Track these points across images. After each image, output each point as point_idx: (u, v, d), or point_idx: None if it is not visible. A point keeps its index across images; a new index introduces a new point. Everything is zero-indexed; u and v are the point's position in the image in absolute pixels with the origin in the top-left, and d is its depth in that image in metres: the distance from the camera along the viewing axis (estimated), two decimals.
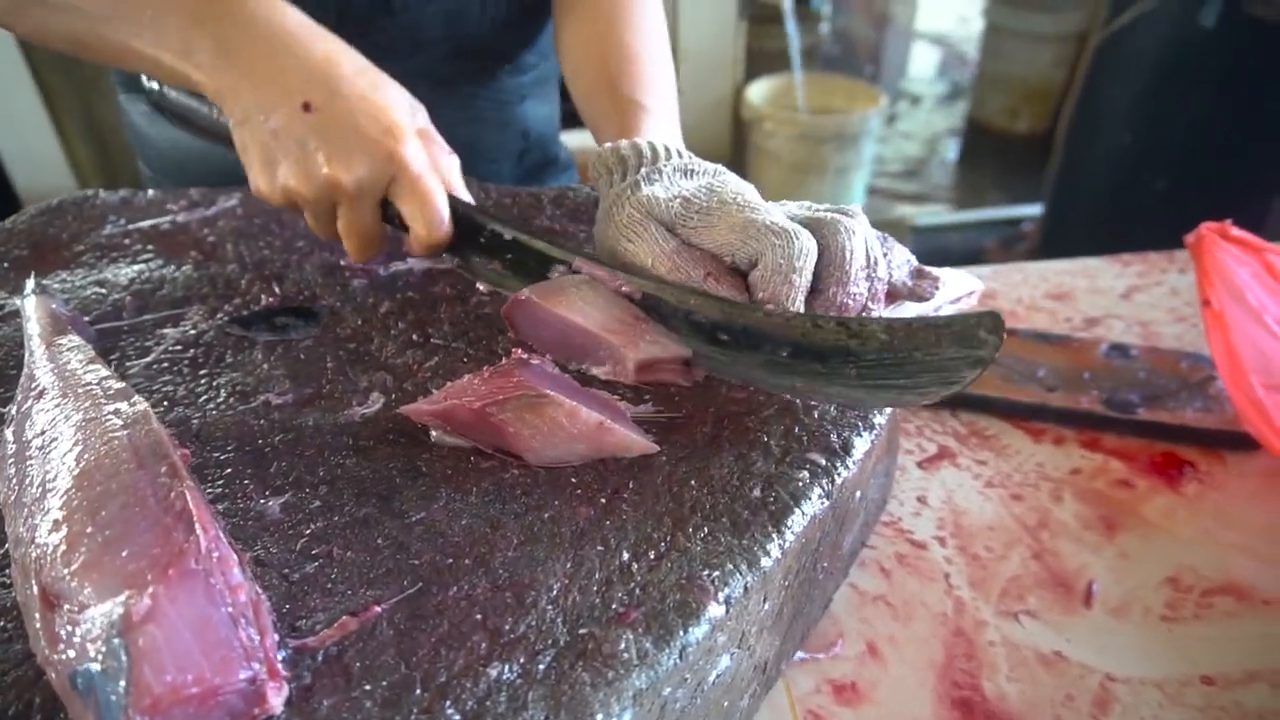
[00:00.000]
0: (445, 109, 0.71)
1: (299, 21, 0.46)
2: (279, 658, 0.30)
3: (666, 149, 0.50)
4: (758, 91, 2.33)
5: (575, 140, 0.92)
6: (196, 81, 0.46)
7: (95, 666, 0.26)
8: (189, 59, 0.45)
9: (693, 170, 0.49)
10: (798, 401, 0.42)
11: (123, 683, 0.26)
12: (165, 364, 0.47)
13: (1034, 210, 2.57)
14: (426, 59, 0.67)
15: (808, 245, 0.43)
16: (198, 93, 0.47)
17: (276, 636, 0.30)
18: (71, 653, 0.27)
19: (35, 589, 0.30)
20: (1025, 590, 0.47)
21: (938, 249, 2.45)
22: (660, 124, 0.57)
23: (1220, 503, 0.53)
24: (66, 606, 0.29)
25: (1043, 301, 0.70)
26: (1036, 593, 0.47)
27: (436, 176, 0.47)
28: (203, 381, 0.46)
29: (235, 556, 0.30)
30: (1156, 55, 1.37)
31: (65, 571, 0.29)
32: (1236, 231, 0.56)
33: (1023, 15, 2.89)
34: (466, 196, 0.50)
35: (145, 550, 0.29)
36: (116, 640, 0.26)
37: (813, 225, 0.44)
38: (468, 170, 0.73)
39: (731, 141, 2.43)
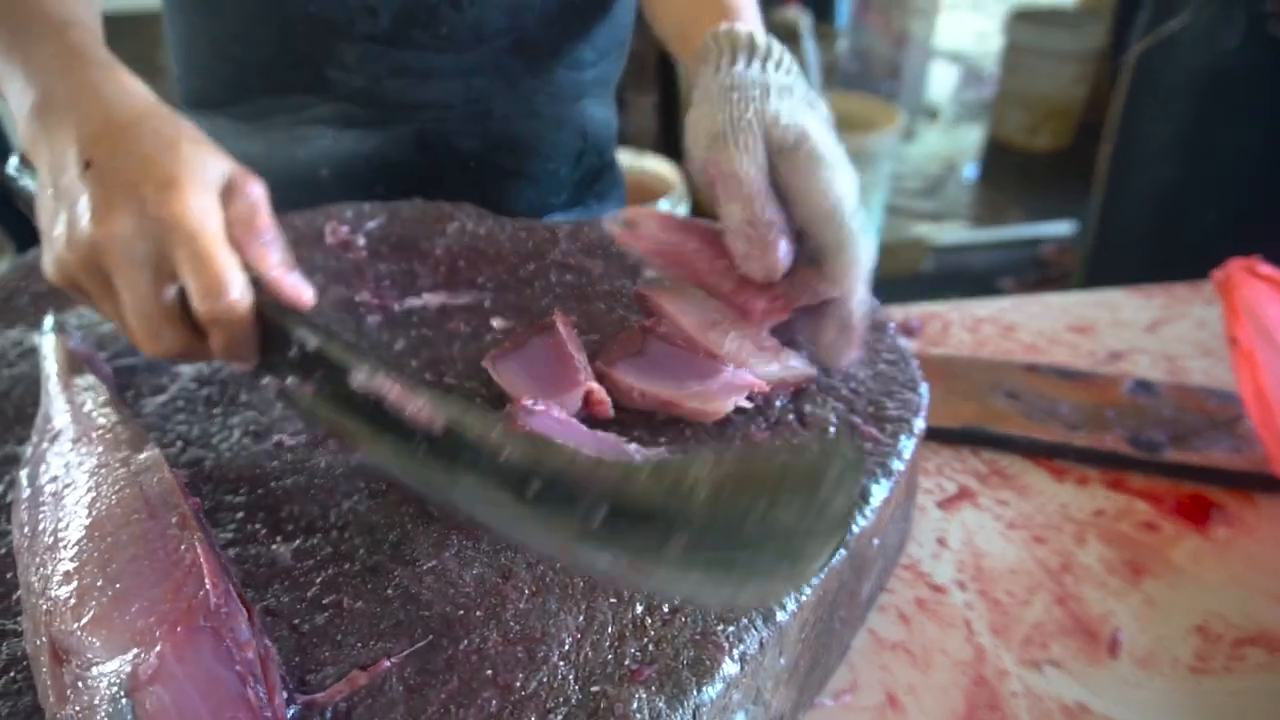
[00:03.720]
0: (503, 102, 0.72)
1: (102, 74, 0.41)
2: (288, 716, 0.29)
3: (780, 51, 0.49)
4: None
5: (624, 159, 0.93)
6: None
7: None
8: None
9: (792, 90, 0.47)
10: (813, 443, 0.41)
11: None
12: (180, 403, 0.47)
13: (1055, 229, 2.55)
14: (488, 51, 0.68)
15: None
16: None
17: (285, 694, 0.30)
18: (79, 710, 0.27)
19: (44, 641, 0.30)
20: (1048, 638, 0.46)
21: (957, 268, 2.44)
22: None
23: (1250, 548, 0.51)
24: (75, 662, 0.28)
25: (1064, 335, 0.69)
26: (1060, 641, 0.46)
27: (228, 242, 0.38)
28: (217, 420, 0.46)
29: (245, 611, 0.30)
30: (1190, 83, 1.36)
31: (75, 626, 0.29)
32: (1265, 268, 0.55)
33: (1042, 32, 2.88)
34: (298, 290, 0.41)
35: (154, 605, 0.29)
36: (124, 701, 0.26)
37: None
38: (527, 173, 0.73)
39: None
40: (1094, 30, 2.81)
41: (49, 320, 0.49)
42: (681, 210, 1.88)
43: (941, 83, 3.69)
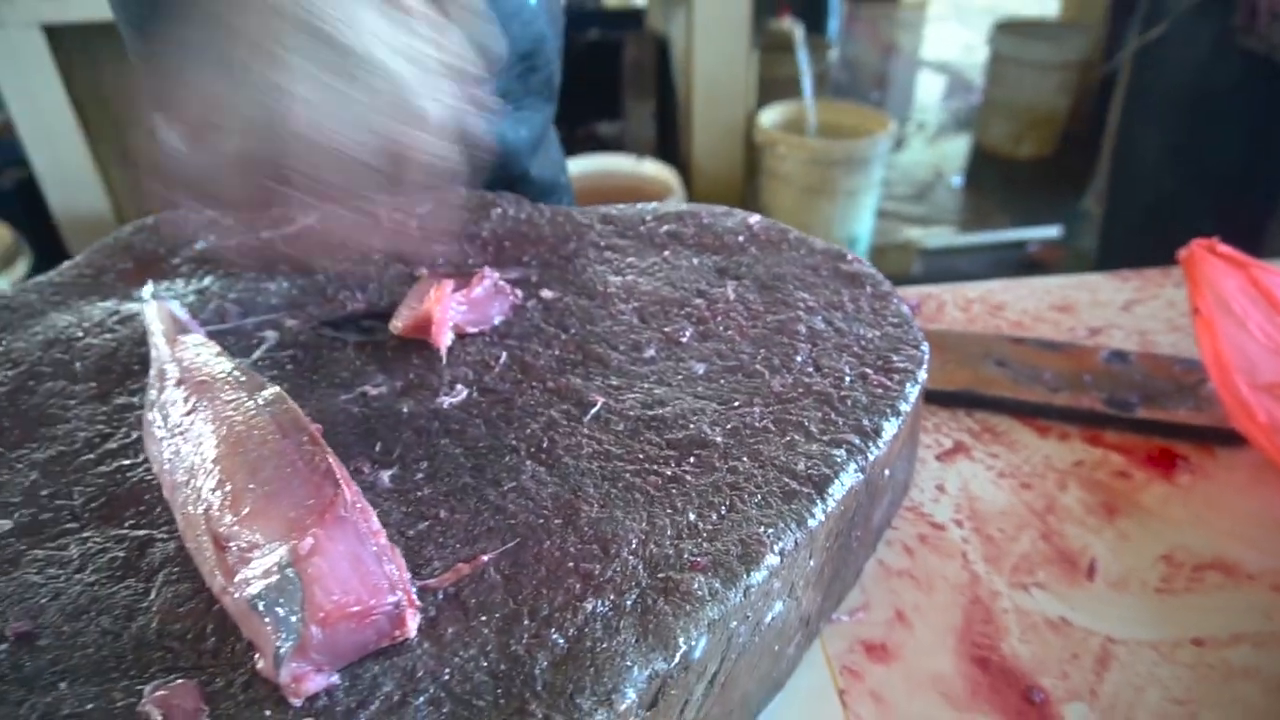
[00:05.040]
0: None
1: None
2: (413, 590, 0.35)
3: None
4: (770, 117, 2.40)
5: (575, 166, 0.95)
6: None
7: (274, 592, 0.32)
8: None
9: None
10: (832, 389, 0.48)
11: (298, 602, 0.32)
12: (267, 362, 0.53)
13: (1039, 233, 2.64)
14: None
15: None
16: None
17: (409, 574, 0.36)
18: (248, 582, 0.33)
19: (207, 537, 0.36)
20: (1034, 565, 0.53)
21: (945, 270, 2.52)
22: None
23: (1210, 492, 0.58)
24: (235, 546, 0.34)
25: (1048, 313, 0.76)
26: (1045, 568, 0.53)
27: None
28: (305, 377, 0.52)
29: (372, 509, 0.36)
30: (1176, 96, 1.43)
31: (232, 519, 0.35)
32: (1223, 248, 0.62)
33: (1026, 44, 2.98)
34: None
35: (301, 502, 0.35)
36: (290, 570, 0.32)
37: None
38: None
39: (744, 165, 2.50)
40: (1076, 42, 2.90)
41: (149, 287, 0.55)
42: None
43: (928, 92, 3.79)
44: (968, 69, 3.88)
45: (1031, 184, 3.01)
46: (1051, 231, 2.61)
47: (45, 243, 2.16)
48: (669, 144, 2.59)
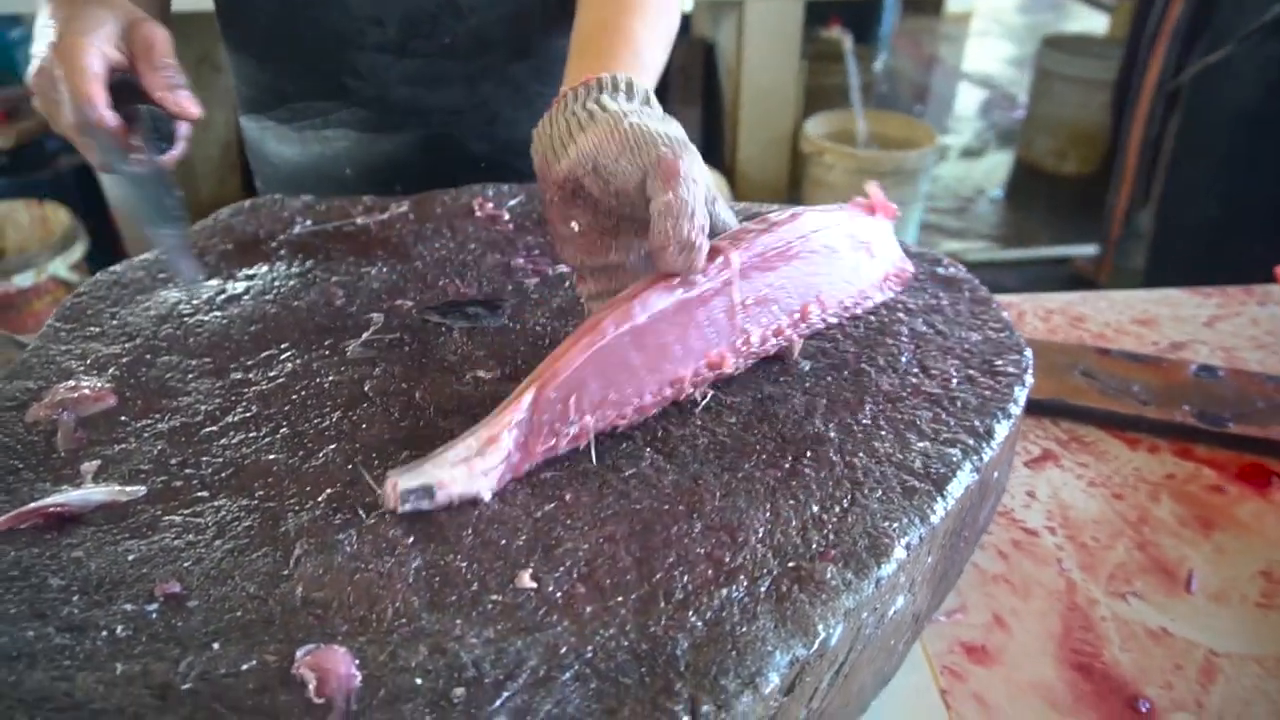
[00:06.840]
0: (511, 107, 0.76)
1: None
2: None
3: (638, 89, 0.49)
4: (817, 126, 2.40)
5: None
6: None
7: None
8: None
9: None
10: (940, 390, 0.48)
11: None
12: (376, 343, 0.54)
13: (1081, 250, 2.62)
14: (491, 59, 0.71)
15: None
16: None
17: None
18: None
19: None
20: (1131, 575, 0.53)
21: (989, 284, 2.50)
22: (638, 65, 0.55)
23: None
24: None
25: (1130, 326, 0.75)
26: (1141, 578, 0.53)
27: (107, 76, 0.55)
28: (415, 359, 0.53)
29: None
30: (1234, 118, 1.42)
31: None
32: None
33: (1072, 59, 2.95)
34: (185, 104, 0.57)
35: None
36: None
37: None
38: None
39: (790, 173, 2.50)
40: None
41: None
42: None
43: (967, 105, 3.77)
44: (1009, 83, 3.86)
45: (1075, 201, 2.99)
46: (1093, 249, 2.59)
47: (100, 226, 2.20)
48: (714, 150, 2.59)
